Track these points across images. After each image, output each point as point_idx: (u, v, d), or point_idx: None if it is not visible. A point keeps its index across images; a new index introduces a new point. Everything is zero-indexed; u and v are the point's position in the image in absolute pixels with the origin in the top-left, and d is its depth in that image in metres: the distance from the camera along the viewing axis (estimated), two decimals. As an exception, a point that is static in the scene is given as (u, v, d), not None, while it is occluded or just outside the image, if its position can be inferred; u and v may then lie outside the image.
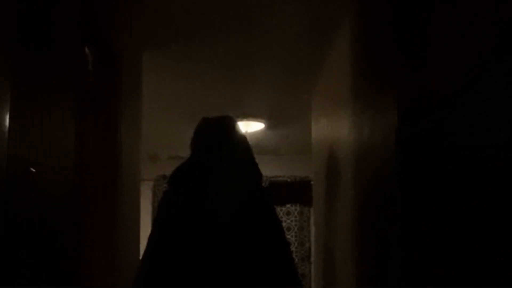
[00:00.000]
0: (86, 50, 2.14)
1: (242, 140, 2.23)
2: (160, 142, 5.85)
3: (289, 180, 6.65)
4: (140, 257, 3.16)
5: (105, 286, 2.37)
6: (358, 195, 2.23)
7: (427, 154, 1.39)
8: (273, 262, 1.90)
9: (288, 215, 6.71)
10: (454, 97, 1.24)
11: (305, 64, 3.55)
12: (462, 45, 1.21)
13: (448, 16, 1.30)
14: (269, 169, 2.15)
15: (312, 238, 5.80)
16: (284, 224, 6.61)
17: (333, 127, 2.97)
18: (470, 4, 1.17)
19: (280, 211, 6.60)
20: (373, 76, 1.99)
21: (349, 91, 2.43)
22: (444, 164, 1.28)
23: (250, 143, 2.23)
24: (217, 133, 2.19)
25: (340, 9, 2.63)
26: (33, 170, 1.42)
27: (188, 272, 1.86)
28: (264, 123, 5.08)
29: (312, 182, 4.16)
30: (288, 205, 6.67)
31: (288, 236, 6.60)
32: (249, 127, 4.99)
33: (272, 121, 5.09)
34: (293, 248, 6.61)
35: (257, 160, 2.18)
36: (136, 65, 3.18)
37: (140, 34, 3.09)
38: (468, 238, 1.13)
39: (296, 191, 6.51)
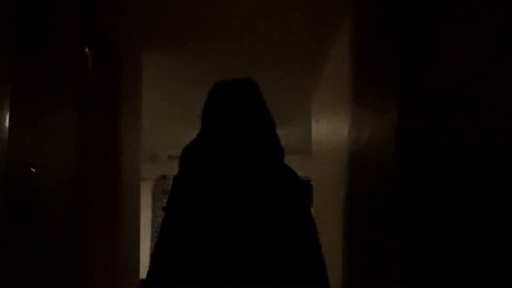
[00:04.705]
0: (86, 50, 2.14)
1: (262, 108, 1.90)
2: (160, 142, 5.85)
3: (289, 180, 6.63)
4: (140, 257, 3.19)
5: (105, 286, 2.37)
6: (358, 195, 2.23)
7: (427, 154, 1.39)
8: (300, 262, 1.65)
9: (288, 215, 6.69)
10: (454, 97, 1.24)
11: (305, 64, 3.55)
12: (462, 45, 1.21)
13: (447, 16, 1.30)
14: (269, 169, 2.02)
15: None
16: (284, 224, 6.58)
17: (333, 127, 2.97)
18: (469, 4, 1.17)
19: (280, 211, 6.58)
20: (373, 76, 1.99)
21: (349, 91, 2.43)
22: (444, 164, 1.28)
23: None
24: (234, 100, 1.84)
25: (340, 10, 2.63)
26: (33, 170, 1.42)
27: (203, 269, 1.62)
28: (264, 123, 5.07)
29: (312, 182, 4.16)
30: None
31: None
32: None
33: (272, 121, 5.09)
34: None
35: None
36: (136, 65, 3.18)
37: (140, 34, 3.09)
38: (468, 238, 1.13)
39: (296, 191, 6.48)
